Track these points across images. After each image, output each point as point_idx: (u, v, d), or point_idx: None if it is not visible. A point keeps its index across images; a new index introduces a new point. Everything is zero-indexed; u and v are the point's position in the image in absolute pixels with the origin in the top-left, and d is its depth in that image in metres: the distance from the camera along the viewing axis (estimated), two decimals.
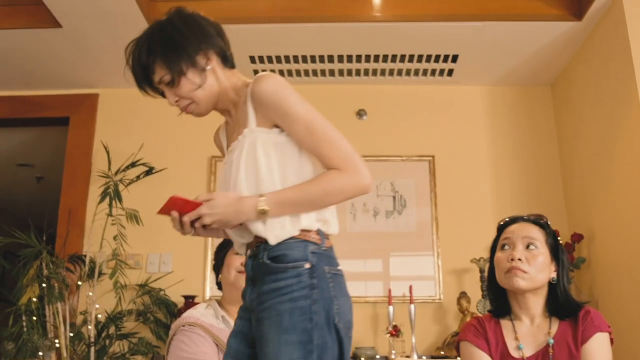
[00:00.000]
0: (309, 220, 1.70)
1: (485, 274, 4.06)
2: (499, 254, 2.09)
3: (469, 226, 4.39)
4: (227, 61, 1.90)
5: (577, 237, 4.07)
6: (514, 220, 2.14)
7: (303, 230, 1.69)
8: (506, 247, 2.08)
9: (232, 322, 2.19)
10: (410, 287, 4.08)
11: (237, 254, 2.25)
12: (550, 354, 1.98)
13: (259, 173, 1.69)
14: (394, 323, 4.03)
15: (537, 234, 2.06)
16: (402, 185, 4.52)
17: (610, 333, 2.00)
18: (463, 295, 4.13)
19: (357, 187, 1.70)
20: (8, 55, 4.29)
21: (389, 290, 4.14)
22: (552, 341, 2.00)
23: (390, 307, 4.08)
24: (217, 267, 2.45)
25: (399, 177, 4.53)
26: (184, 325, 2.21)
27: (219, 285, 2.44)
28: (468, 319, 4.03)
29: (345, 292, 1.71)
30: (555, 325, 2.04)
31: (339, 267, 1.74)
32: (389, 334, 4.00)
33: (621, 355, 3.21)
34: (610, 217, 3.79)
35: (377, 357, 3.98)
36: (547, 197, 4.45)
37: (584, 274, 4.08)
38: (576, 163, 4.29)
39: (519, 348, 2.03)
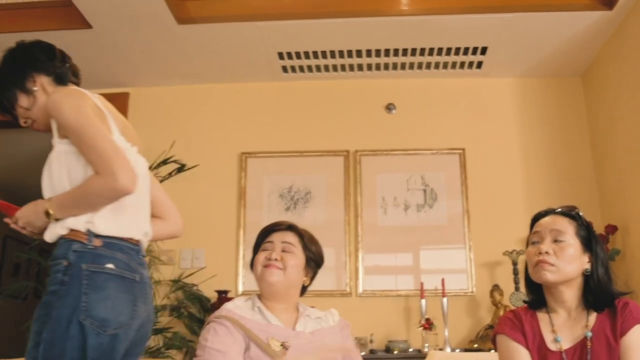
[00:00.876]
0: (75, 221, 1.86)
1: (518, 266, 4.08)
2: (529, 249, 2.08)
3: (500, 219, 4.37)
4: (61, 79, 2.08)
5: (611, 229, 4.03)
6: (545, 213, 2.12)
7: (73, 230, 1.86)
8: (535, 241, 2.06)
9: (268, 315, 2.23)
10: (443, 280, 4.08)
11: (264, 250, 2.29)
12: (589, 346, 1.95)
13: (52, 180, 1.91)
14: (426, 316, 4.03)
15: (566, 226, 2.03)
16: (432, 178, 4.51)
17: None
18: (496, 288, 4.12)
19: (111, 189, 1.82)
20: None
21: (421, 284, 4.14)
22: (590, 334, 1.97)
23: (423, 301, 4.08)
24: (252, 264, 2.49)
25: (429, 171, 4.52)
26: (214, 318, 2.25)
27: None
28: (501, 311, 4.01)
29: (103, 289, 1.83)
30: (592, 318, 2.01)
31: (107, 265, 1.85)
32: (422, 327, 4.00)
33: None
34: None
35: (410, 350, 3.99)
36: (579, 188, 4.41)
37: (618, 265, 4.03)
38: (609, 154, 4.25)
39: (556, 341, 2.00)
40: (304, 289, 2.35)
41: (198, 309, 4.24)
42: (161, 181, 4.31)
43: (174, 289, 4.27)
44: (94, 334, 1.77)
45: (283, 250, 2.26)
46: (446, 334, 3.99)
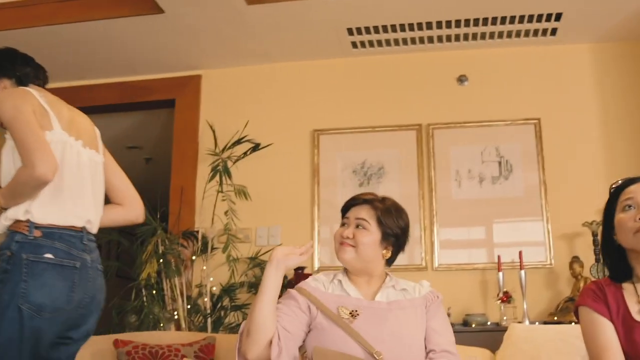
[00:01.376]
0: (14, 211, 2.12)
1: (599, 237, 3.97)
2: (621, 215, 1.98)
3: (579, 189, 4.26)
4: (22, 81, 2.37)
5: None
6: (632, 180, 2.02)
7: (16, 221, 2.12)
8: (631, 207, 1.97)
9: (348, 287, 2.28)
10: (520, 253, 4.02)
11: (342, 226, 2.32)
12: None
13: (1, 172, 2.17)
14: (504, 289, 3.99)
15: None
16: (507, 150, 4.43)
17: None
18: (575, 259, 4.04)
19: (31, 178, 2.06)
20: (115, 43, 4.49)
21: (498, 257, 4.09)
22: None
23: (500, 274, 4.03)
24: None
25: (504, 142, 4.44)
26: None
27: None
28: (581, 284, 3.93)
29: (41, 277, 2.07)
30: None
31: (46, 255, 2.09)
32: (500, 300, 3.96)
33: None
34: None
35: (489, 323, 3.96)
36: None
37: None
38: None
39: None
40: (390, 261, 2.35)
41: None
42: (236, 161, 4.38)
43: (251, 267, 4.36)
44: (29, 317, 2.04)
45: (357, 226, 2.27)
46: (525, 307, 3.94)
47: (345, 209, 2.37)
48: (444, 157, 4.48)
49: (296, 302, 2.19)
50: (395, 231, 2.28)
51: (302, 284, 2.31)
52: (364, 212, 2.28)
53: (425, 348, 2.20)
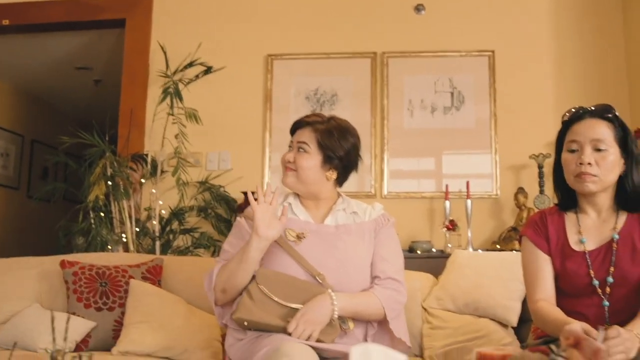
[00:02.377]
0: None
1: (544, 169, 4.06)
2: (566, 155, 2.03)
3: (528, 122, 4.32)
4: None
5: None
6: (580, 116, 2.03)
7: None
8: (574, 149, 2.00)
9: (298, 210, 2.30)
10: (467, 183, 4.10)
11: (288, 150, 2.31)
12: (614, 249, 1.97)
13: None
14: (450, 218, 4.07)
15: (605, 133, 1.97)
16: (460, 81, 4.44)
17: None
18: (520, 190, 4.13)
19: None
20: None
21: (446, 186, 4.16)
22: (617, 236, 1.98)
23: (447, 202, 4.11)
24: None
25: (457, 73, 4.45)
26: (239, 216, 2.32)
27: None
28: (525, 214, 4.04)
29: None
30: (622, 220, 2.02)
31: None
32: (445, 228, 4.05)
33: None
34: None
35: (433, 250, 4.05)
36: (611, 92, 4.31)
37: None
38: None
39: (581, 242, 2.02)
40: (340, 181, 2.34)
41: (225, 209, 4.32)
42: (187, 83, 4.30)
43: (201, 191, 4.35)
44: None
45: (299, 150, 2.25)
46: (469, 235, 4.04)
47: (291, 131, 2.35)
48: (397, 86, 4.47)
49: (247, 233, 2.20)
50: (338, 153, 2.25)
51: (247, 211, 2.32)
52: (305, 135, 2.26)
53: (372, 273, 2.24)
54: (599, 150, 1.96)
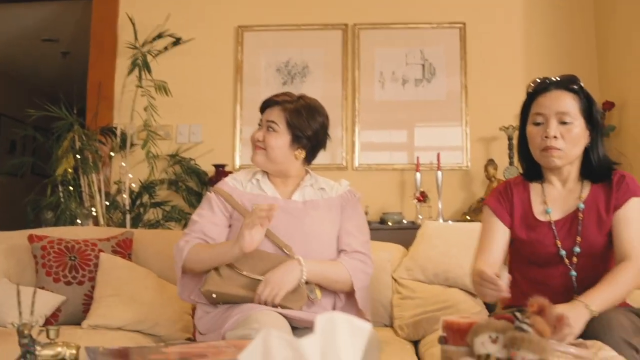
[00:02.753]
0: None
1: (514, 141, 4.08)
2: (532, 128, 2.02)
3: (498, 94, 4.35)
4: None
5: (609, 105, 4.02)
6: (545, 87, 2.03)
7: None
8: (540, 122, 1.99)
9: (266, 186, 2.31)
10: (438, 155, 4.12)
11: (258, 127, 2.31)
12: (580, 218, 1.97)
13: None
14: (421, 189, 4.09)
15: (570, 105, 1.96)
16: (431, 53, 4.44)
17: None
18: (490, 162, 4.16)
19: None
20: None
21: (417, 158, 4.18)
22: (582, 206, 1.99)
23: (418, 174, 4.13)
24: None
25: (428, 45, 4.45)
26: (209, 190, 2.33)
27: None
28: (494, 185, 4.07)
29: None
30: (587, 190, 2.02)
31: None
32: (416, 200, 4.07)
33: None
34: None
35: (404, 221, 4.08)
36: (580, 64, 4.35)
37: (612, 141, 4.05)
38: (612, 31, 4.17)
39: (546, 212, 2.02)
40: (309, 160, 2.35)
41: (196, 182, 4.30)
42: (156, 55, 4.24)
43: (172, 164, 4.32)
44: None
45: (268, 129, 2.26)
46: (440, 206, 4.07)
47: (262, 110, 2.35)
48: (368, 59, 4.46)
49: (216, 206, 2.24)
50: (306, 133, 2.25)
51: (220, 184, 2.34)
52: (274, 114, 2.26)
53: (338, 247, 2.26)
54: (564, 123, 1.95)
